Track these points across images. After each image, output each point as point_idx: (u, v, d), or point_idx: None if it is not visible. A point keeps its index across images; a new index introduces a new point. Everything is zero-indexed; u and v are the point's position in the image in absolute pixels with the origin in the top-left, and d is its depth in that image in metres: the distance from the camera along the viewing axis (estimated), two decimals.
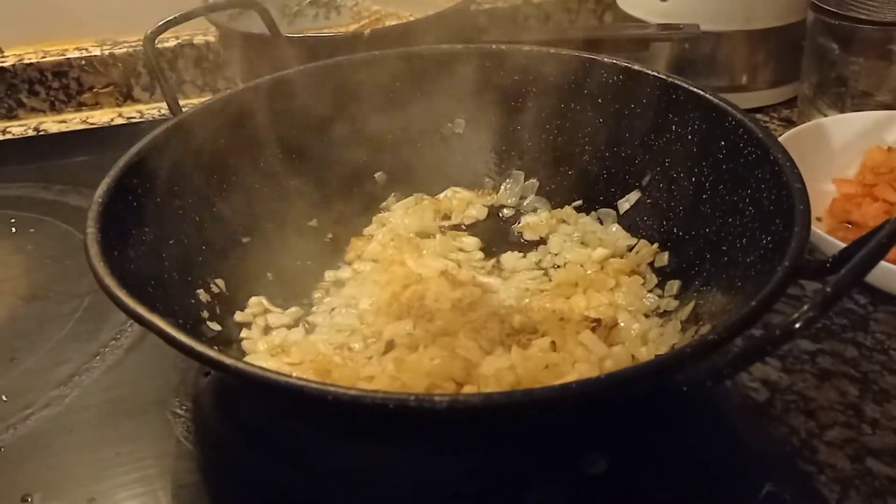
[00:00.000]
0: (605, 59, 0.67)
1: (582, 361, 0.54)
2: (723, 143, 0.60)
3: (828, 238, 0.61)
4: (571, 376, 0.52)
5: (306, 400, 0.39)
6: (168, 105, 0.66)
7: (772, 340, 0.36)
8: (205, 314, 0.58)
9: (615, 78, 0.67)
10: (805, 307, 0.36)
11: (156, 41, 0.68)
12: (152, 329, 0.43)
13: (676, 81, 0.64)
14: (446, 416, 0.38)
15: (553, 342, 0.55)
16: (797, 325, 0.35)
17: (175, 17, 0.66)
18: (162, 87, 0.65)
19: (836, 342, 0.59)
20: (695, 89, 0.63)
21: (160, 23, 0.66)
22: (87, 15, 0.97)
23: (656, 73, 0.65)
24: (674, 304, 0.59)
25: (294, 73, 0.70)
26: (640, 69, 0.66)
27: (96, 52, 0.97)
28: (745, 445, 0.53)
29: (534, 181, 0.73)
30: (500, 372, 0.52)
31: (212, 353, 0.41)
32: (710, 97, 0.61)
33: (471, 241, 0.69)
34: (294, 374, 0.54)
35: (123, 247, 0.53)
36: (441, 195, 0.73)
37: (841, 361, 0.58)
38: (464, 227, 0.71)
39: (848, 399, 0.55)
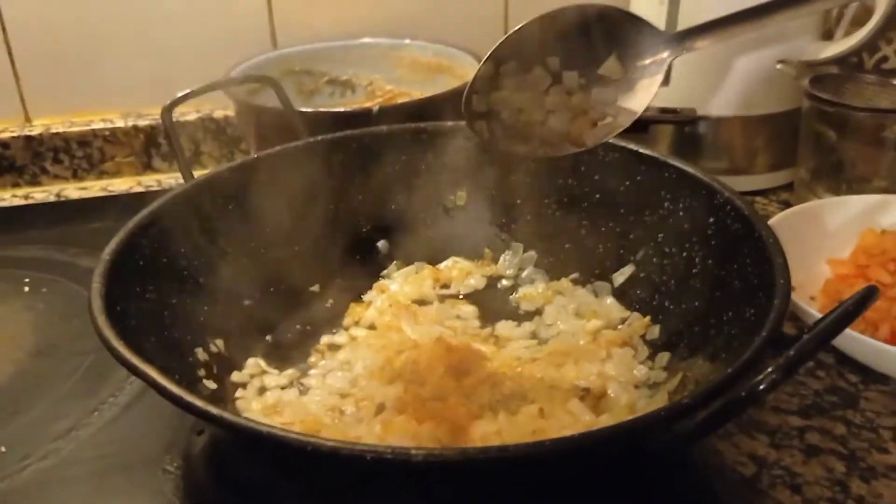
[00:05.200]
0: None
1: (568, 428, 0.54)
2: (712, 219, 0.61)
3: (815, 314, 0.61)
4: None
5: (287, 450, 0.40)
6: (181, 172, 0.69)
7: (738, 401, 0.37)
8: (202, 372, 0.59)
9: (611, 156, 0.70)
10: (769, 369, 0.37)
11: (173, 113, 0.72)
12: (144, 379, 0.45)
13: (668, 161, 0.66)
14: (422, 468, 0.39)
15: (541, 409, 0.56)
16: (762, 387, 0.36)
17: (192, 91, 0.69)
18: (176, 154, 0.68)
19: (826, 419, 0.60)
20: (685, 168, 0.65)
21: (178, 95, 0.69)
22: (113, 88, 1.02)
23: (649, 153, 0.68)
24: (663, 375, 0.60)
25: (303, 144, 0.73)
26: (635, 148, 0.68)
27: (120, 123, 1.01)
28: None
29: (532, 253, 0.75)
30: (486, 436, 0.53)
31: (197, 401, 0.43)
32: (700, 176, 0.63)
33: (468, 310, 0.70)
34: None
35: (127, 302, 0.55)
36: (441, 265, 0.75)
37: (829, 438, 0.58)
38: (461, 296, 0.73)
39: (835, 475, 0.55)
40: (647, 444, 0.41)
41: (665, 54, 0.56)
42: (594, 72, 0.56)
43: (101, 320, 0.50)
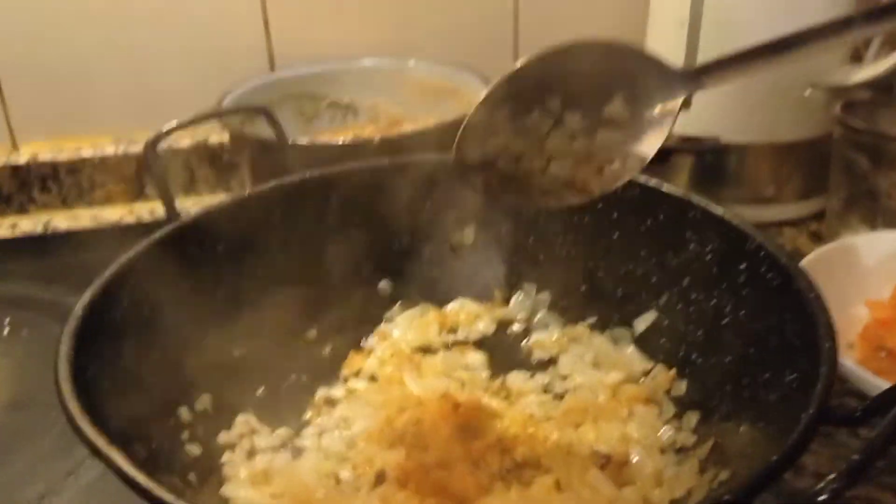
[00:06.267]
0: None
1: None
2: (742, 266, 0.56)
3: (864, 375, 0.56)
4: None
5: None
6: (165, 211, 0.64)
7: None
8: (185, 435, 0.54)
9: (630, 193, 0.64)
10: (831, 476, 0.31)
11: (165, 140, 0.67)
12: (109, 465, 0.40)
13: (692, 200, 0.61)
14: None
15: (558, 481, 0.51)
16: (821, 499, 0.31)
17: (179, 123, 0.64)
18: (160, 191, 0.63)
19: (872, 487, 0.54)
20: (711, 209, 0.59)
21: (163, 129, 0.64)
22: (103, 112, 0.98)
23: (671, 191, 0.62)
24: (692, 439, 0.55)
25: (297, 180, 0.68)
26: (655, 186, 0.63)
27: (111, 150, 0.97)
28: None
29: (546, 295, 0.70)
30: None
31: (166, 495, 0.38)
32: (728, 218, 0.58)
33: (476, 359, 0.65)
34: None
35: (101, 363, 0.50)
36: (448, 307, 0.70)
37: None
38: (469, 341, 0.67)
39: None
40: None
41: (678, 93, 0.51)
42: (599, 113, 0.51)
43: (67, 389, 0.45)
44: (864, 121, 0.77)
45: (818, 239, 0.84)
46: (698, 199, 0.61)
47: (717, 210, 0.59)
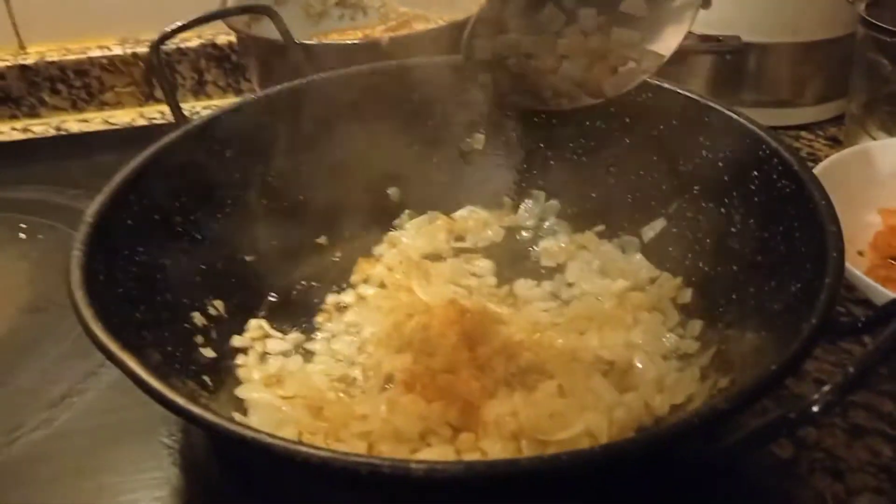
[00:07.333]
0: None
1: (590, 409, 0.50)
2: (755, 172, 0.55)
3: (871, 284, 0.56)
4: (577, 426, 0.49)
5: (274, 457, 0.37)
6: (173, 115, 0.64)
7: (786, 423, 0.32)
8: (199, 339, 0.56)
9: (644, 95, 0.63)
10: (825, 388, 0.32)
11: (171, 39, 0.65)
12: (124, 370, 0.41)
13: (709, 103, 0.60)
14: (423, 484, 0.35)
15: (561, 386, 0.52)
16: (815, 409, 0.31)
17: (182, 24, 0.63)
18: (166, 94, 0.62)
19: (872, 394, 0.55)
20: (728, 112, 0.58)
21: (166, 29, 0.63)
22: (108, 11, 0.96)
23: (688, 93, 0.61)
24: (695, 346, 0.55)
25: (305, 83, 0.67)
26: (671, 87, 0.62)
27: (118, 50, 0.95)
28: None
29: (555, 202, 0.69)
30: (501, 418, 0.49)
31: (178, 398, 0.39)
32: (745, 122, 0.57)
33: (484, 266, 0.66)
34: (284, 408, 0.52)
35: (113, 269, 0.51)
36: (456, 214, 0.70)
37: (876, 416, 0.53)
38: (476, 249, 0.68)
39: (881, 460, 0.50)
40: (672, 455, 0.37)
41: None
42: (615, 9, 0.49)
43: (80, 296, 0.46)
44: (889, 21, 0.74)
45: (836, 143, 0.82)
46: (714, 103, 0.59)
47: (733, 114, 0.58)
